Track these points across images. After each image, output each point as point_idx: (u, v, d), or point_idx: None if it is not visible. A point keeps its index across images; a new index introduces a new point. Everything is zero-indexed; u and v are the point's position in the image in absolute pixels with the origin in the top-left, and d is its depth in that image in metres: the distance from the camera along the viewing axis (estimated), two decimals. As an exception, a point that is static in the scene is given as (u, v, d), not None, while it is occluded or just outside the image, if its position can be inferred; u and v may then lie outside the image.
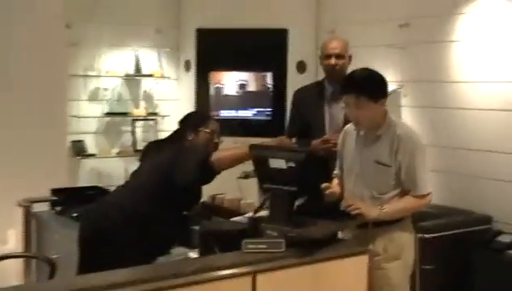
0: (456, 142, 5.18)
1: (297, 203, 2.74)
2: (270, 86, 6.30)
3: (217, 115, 6.28)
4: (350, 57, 3.95)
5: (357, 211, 2.91)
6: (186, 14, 6.56)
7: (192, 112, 3.61)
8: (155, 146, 3.42)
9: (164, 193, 3.06)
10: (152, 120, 6.50)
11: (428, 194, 3.06)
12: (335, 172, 3.31)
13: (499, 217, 4.87)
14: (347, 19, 5.97)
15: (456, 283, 4.65)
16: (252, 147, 2.85)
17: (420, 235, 4.54)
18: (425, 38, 5.38)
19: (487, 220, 4.91)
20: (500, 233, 4.70)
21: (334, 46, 3.90)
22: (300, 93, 4.11)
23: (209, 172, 3.06)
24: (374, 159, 3.04)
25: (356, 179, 3.12)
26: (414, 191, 3.03)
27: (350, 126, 3.24)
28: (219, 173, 3.10)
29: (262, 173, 2.83)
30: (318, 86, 4.01)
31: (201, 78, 6.39)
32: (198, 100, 6.38)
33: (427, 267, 4.57)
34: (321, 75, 6.16)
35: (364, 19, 5.78)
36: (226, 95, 6.37)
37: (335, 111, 3.87)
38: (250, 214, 2.88)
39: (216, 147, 3.34)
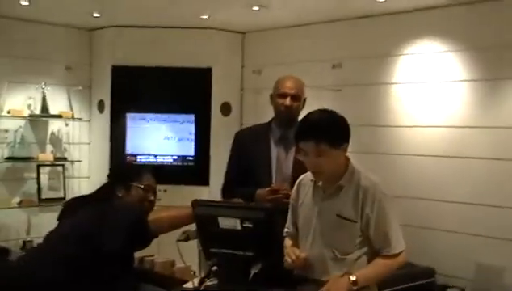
0: (395, 190, 4.84)
1: (253, 271, 2.26)
2: (192, 129, 5.82)
3: (135, 161, 5.74)
4: (304, 100, 3.52)
5: None
6: (99, 51, 6.01)
7: (123, 163, 3.05)
8: (77, 203, 2.83)
9: (85, 261, 2.49)
10: (60, 165, 5.83)
11: (401, 252, 2.66)
12: (286, 230, 2.87)
13: (443, 269, 4.59)
14: (275, 59, 5.63)
15: None
16: (195, 203, 2.34)
17: None
18: (359, 79, 5.12)
19: (430, 273, 4.61)
20: (445, 287, 4.40)
21: (291, 86, 3.43)
22: (242, 134, 3.63)
23: (144, 236, 2.54)
24: (335, 213, 2.63)
25: (314, 238, 2.67)
26: (387, 249, 2.61)
27: (305, 176, 2.82)
28: (156, 236, 2.58)
29: (209, 234, 2.33)
30: (264, 127, 3.53)
31: (116, 119, 5.82)
32: (113, 143, 5.80)
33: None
34: (247, 118, 5.90)
35: (293, 60, 5.45)
36: (145, 139, 5.83)
37: (283, 158, 3.44)
38: (193, 284, 2.35)
39: (151, 206, 2.82)
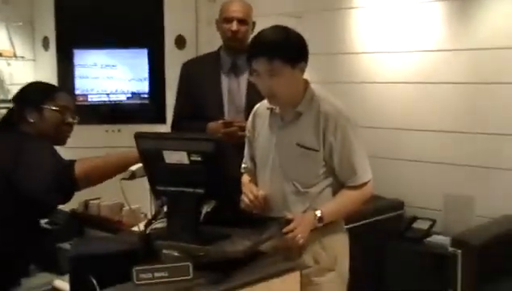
0: (360, 120, 4.63)
1: (204, 210, 1.99)
2: (145, 65, 5.46)
3: (85, 101, 5.39)
4: (253, 24, 3.25)
5: (300, 241, 2.27)
6: (40, -18, 5.55)
7: (31, 84, 2.67)
8: None
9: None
10: (4, 108, 5.42)
11: (368, 181, 2.43)
12: (244, 166, 2.61)
13: (412, 201, 4.41)
14: (231, -14, 5.26)
15: (370, 280, 4.13)
16: (138, 136, 2.05)
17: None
18: (322, 6, 4.80)
19: (399, 205, 4.44)
20: (415, 219, 4.23)
21: (236, 9, 3.17)
22: (190, 66, 3.32)
23: (68, 188, 2.24)
24: (295, 142, 2.37)
25: (273, 171, 2.43)
26: (352, 179, 2.38)
27: (260, 105, 2.56)
28: (79, 189, 2.29)
29: (155, 171, 2.05)
30: (213, 57, 3.26)
31: (63, 57, 5.42)
32: (60, 83, 5.41)
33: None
34: (203, 51, 5.55)
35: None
36: (95, 78, 5.45)
37: (235, 88, 3.18)
38: (140, 228, 2.09)
39: (70, 129, 2.53)
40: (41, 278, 2.46)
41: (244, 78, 3.15)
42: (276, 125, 2.45)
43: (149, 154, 2.03)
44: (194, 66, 3.28)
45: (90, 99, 5.41)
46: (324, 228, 2.37)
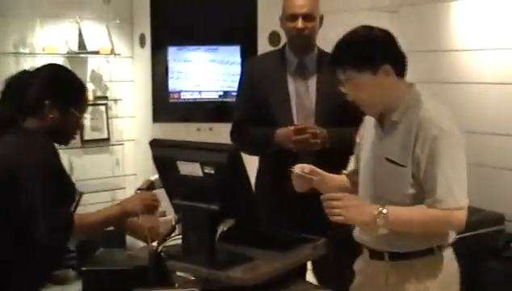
0: (460, 124, 4.24)
1: (221, 229, 1.80)
2: (238, 62, 5.33)
3: (179, 98, 5.37)
4: (321, 19, 2.99)
5: (336, 218, 1.98)
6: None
7: (58, 71, 2.39)
8: None
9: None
10: (102, 104, 5.54)
11: (460, 209, 2.04)
12: (350, 169, 2.44)
13: (512, 215, 3.95)
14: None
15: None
16: (153, 143, 1.90)
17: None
18: (419, -1, 4.44)
19: (499, 219, 3.98)
20: (515, 236, 3.78)
21: (301, 3, 2.89)
22: (254, 64, 3.11)
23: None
24: (385, 156, 2.11)
25: (364, 186, 2.23)
26: (430, 199, 2.04)
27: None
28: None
29: (169, 182, 1.89)
30: (278, 56, 3.01)
31: (157, 54, 5.42)
32: (154, 80, 5.42)
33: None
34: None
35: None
36: (188, 75, 5.42)
37: (303, 90, 2.93)
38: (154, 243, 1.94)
39: (80, 131, 2.36)
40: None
41: (312, 80, 2.93)
42: (377, 135, 2.20)
43: (163, 164, 1.87)
44: (259, 65, 3.07)
45: (182, 97, 5.38)
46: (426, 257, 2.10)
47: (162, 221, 1.99)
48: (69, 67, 5.07)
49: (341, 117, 2.71)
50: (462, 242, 3.69)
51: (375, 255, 2.16)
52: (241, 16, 5.31)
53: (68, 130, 2.31)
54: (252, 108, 2.95)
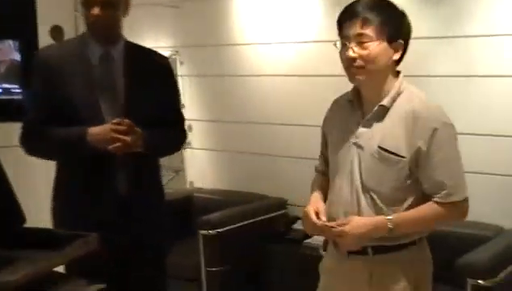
0: (243, 116, 4.43)
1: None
2: (17, 58, 5.03)
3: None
4: (127, 6, 2.61)
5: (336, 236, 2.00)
6: None
7: None
8: None
9: None
10: None
11: (464, 200, 2.02)
12: (316, 166, 2.29)
13: (294, 200, 4.21)
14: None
15: (250, 284, 3.91)
16: None
17: (203, 232, 3.77)
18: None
19: (280, 205, 4.23)
20: (296, 219, 4.03)
21: None
22: (48, 55, 2.62)
23: None
24: (377, 144, 2.00)
25: (347, 178, 2.05)
26: (439, 195, 1.99)
27: (341, 97, 2.20)
28: None
29: None
30: (79, 44, 2.63)
31: None
32: None
33: (214, 269, 3.79)
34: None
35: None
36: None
37: (110, 83, 2.57)
38: None
39: None
40: None
41: (119, 72, 2.59)
42: (356, 122, 2.07)
43: None
44: (54, 56, 2.59)
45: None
46: (403, 251, 2.03)
47: None
48: None
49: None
50: (247, 228, 3.92)
51: (356, 250, 2.04)
52: (18, 9, 5.00)
53: None
54: (48, 106, 2.52)
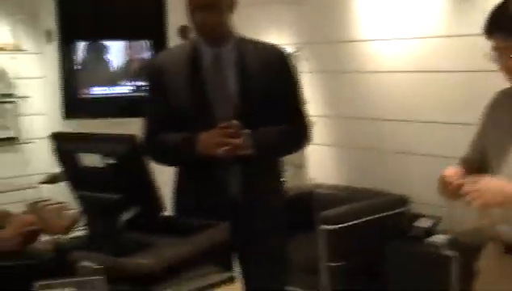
0: (365, 112, 4.42)
1: (124, 217, 1.83)
2: (149, 56, 5.31)
3: (87, 94, 5.29)
4: (232, 4, 2.54)
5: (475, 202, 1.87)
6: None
7: None
8: None
9: None
10: (9, 102, 5.38)
11: None
12: (462, 156, 2.21)
13: (417, 197, 4.15)
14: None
15: (369, 280, 3.90)
16: (54, 136, 1.90)
17: (324, 227, 3.80)
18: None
19: (403, 202, 4.18)
20: (417, 217, 3.98)
21: None
22: (160, 63, 2.62)
23: None
24: None
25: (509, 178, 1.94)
26: None
27: (502, 91, 2.12)
28: None
29: (71, 175, 1.90)
30: (189, 48, 2.59)
31: (65, 49, 5.32)
32: (62, 76, 5.32)
33: (334, 264, 3.81)
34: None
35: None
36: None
37: (220, 85, 2.53)
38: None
39: None
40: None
41: (231, 72, 2.56)
42: None
43: (64, 157, 1.88)
44: (166, 63, 2.60)
45: (93, 92, 5.32)
46: None
47: (65, 213, 1.98)
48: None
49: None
50: (367, 225, 3.92)
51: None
52: (149, 10, 5.28)
53: None
54: (165, 113, 2.55)
